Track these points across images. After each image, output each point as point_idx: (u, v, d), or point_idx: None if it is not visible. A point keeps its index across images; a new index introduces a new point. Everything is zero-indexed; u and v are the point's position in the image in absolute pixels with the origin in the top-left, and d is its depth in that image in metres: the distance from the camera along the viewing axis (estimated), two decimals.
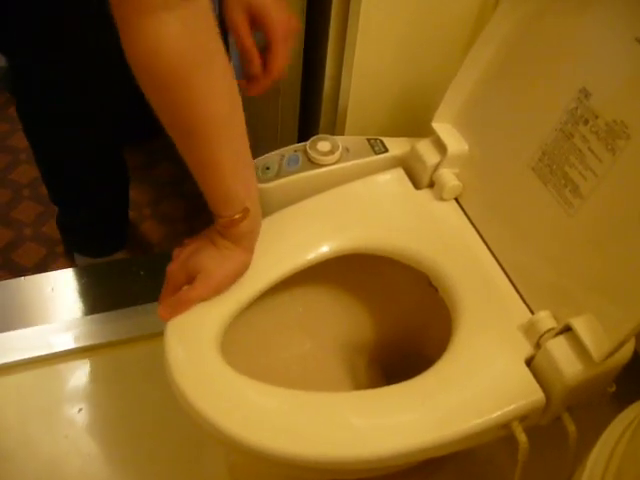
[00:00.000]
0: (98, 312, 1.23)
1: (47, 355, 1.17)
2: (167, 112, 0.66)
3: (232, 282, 0.81)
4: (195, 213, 1.60)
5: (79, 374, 1.18)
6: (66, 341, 1.20)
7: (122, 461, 1.09)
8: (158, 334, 1.16)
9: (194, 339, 0.77)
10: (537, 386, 0.74)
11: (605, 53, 0.74)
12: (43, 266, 1.47)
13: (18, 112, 1.20)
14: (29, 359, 1.17)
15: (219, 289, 0.80)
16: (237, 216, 0.74)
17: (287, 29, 0.83)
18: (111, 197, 1.39)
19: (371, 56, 0.98)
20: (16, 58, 1.09)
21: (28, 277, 1.30)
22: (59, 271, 1.33)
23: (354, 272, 0.96)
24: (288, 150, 0.97)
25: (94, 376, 1.18)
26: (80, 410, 1.14)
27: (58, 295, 1.28)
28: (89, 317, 1.23)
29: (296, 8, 1.01)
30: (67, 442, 1.10)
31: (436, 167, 0.92)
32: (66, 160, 1.26)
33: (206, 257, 0.78)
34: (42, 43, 1.05)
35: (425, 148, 0.93)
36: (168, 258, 0.81)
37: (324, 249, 0.87)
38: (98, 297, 1.27)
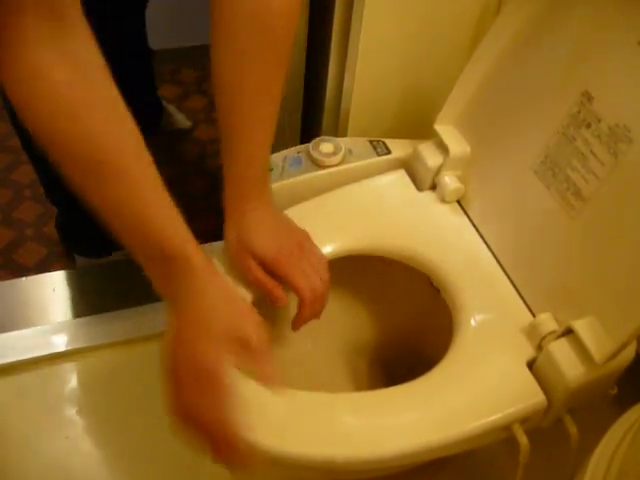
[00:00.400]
0: (100, 312, 1.23)
1: (49, 355, 1.17)
2: (61, 151, 0.60)
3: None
4: (195, 213, 1.60)
5: (81, 374, 1.18)
6: (68, 341, 1.19)
7: (123, 462, 1.09)
8: (160, 335, 1.17)
9: None
10: (538, 388, 0.74)
11: (608, 57, 0.74)
12: (44, 266, 1.47)
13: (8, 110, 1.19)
14: (30, 359, 1.16)
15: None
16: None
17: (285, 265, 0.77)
18: None
19: (374, 58, 0.99)
20: None
21: (29, 277, 1.30)
22: (61, 271, 1.33)
23: (356, 273, 0.96)
24: (291, 151, 0.97)
25: (96, 376, 1.18)
26: (81, 410, 1.14)
27: (59, 295, 1.27)
28: (90, 317, 1.23)
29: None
30: (68, 442, 1.10)
31: (438, 169, 0.92)
32: None
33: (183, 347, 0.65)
34: None
35: (427, 150, 0.93)
36: None
37: (326, 250, 0.87)
38: (100, 297, 1.26)
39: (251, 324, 0.67)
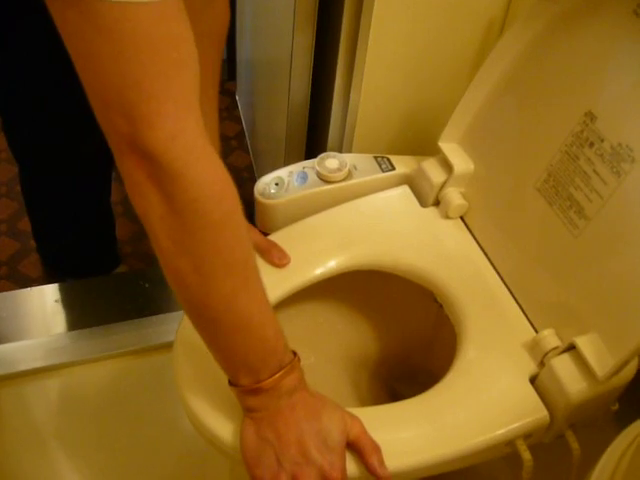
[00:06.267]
0: (103, 324, 1.24)
1: (50, 366, 1.18)
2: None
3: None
4: None
5: (81, 386, 1.18)
6: (69, 353, 1.20)
7: (126, 474, 1.09)
8: (163, 345, 1.17)
9: (202, 353, 0.77)
10: (541, 404, 0.74)
11: (611, 77, 0.75)
12: (48, 277, 1.48)
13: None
14: (32, 370, 1.17)
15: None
16: (285, 368, 0.65)
17: None
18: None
19: (379, 75, 0.99)
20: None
21: (34, 288, 1.30)
22: (63, 283, 1.33)
23: (359, 287, 0.97)
24: (297, 167, 0.98)
25: (99, 387, 1.18)
26: (82, 421, 1.14)
27: (63, 306, 1.28)
28: (93, 329, 1.23)
29: (306, 26, 1.03)
30: (71, 453, 1.10)
31: (442, 186, 0.93)
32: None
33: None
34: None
35: (431, 167, 0.94)
36: None
37: (331, 265, 0.88)
38: (102, 309, 1.27)
39: (359, 425, 0.68)
